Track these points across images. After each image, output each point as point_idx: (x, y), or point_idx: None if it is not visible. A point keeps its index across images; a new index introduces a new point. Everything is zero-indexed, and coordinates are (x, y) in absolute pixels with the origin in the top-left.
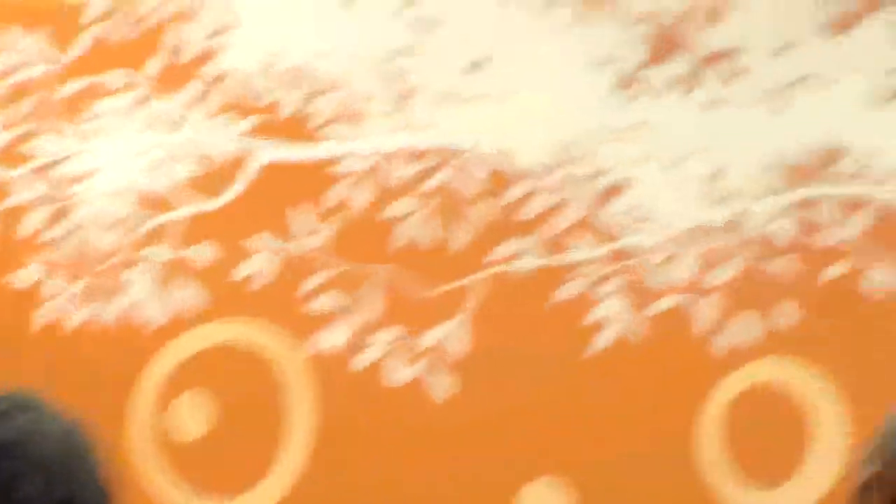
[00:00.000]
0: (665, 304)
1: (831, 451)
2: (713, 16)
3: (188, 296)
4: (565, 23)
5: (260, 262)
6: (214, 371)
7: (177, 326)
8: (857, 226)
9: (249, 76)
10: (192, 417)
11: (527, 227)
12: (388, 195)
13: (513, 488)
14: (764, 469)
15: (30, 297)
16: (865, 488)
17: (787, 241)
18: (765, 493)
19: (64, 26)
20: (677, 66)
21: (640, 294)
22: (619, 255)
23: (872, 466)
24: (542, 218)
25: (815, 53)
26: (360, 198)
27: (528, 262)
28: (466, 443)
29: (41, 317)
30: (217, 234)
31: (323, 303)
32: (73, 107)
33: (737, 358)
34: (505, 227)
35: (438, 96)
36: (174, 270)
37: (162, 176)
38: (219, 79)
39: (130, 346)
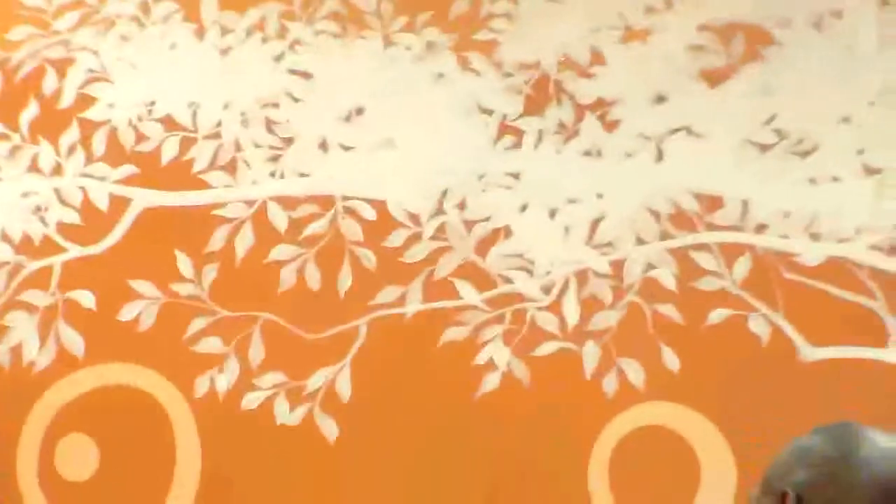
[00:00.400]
0: (548, 348)
1: (720, 490)
2: (590, 66)
3: (71, 339)
4: (444, 72)
5: (142, 306)
6: (100, 413)
7: (61, 369)
8: (736, 273)
9: (127, 123)
10: (79, 459)
11: (410, 273)
12: (268, 241)
13: None
14: None
15: None
16: None
17: (667, 288)
18: None
19: None
20: (555, 115)
21: (524, 339)
22: (502, 301)
23: (767, 499)
24: (425, 264)
25: (690, 104)
26: (242, 244)
27: (413, 307)
28: (356, 484)
29: None
30: (99, 278)
31: (206, 346)
32: None
33: (621, 402)
34: (388, 273)
35: (317, 144)
36: (57, 314)
37: (42, 221)
38: (97, 126)
39: (15, 388)
